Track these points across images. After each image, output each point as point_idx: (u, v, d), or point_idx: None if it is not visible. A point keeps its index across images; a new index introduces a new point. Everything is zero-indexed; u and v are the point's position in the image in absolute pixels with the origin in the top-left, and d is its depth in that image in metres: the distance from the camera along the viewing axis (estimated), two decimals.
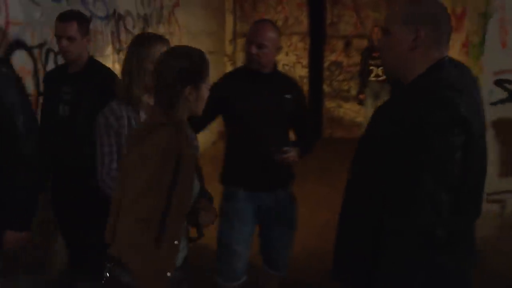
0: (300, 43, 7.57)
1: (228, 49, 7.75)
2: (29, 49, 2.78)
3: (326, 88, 7.57)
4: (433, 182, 1.25)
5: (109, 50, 3.91)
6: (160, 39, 2.14)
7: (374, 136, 1.45)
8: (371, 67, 5.79)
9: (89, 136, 2.15)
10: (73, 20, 2.38)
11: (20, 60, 2.68)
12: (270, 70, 2.38)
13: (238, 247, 2.39)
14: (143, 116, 2.07)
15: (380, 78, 5.62)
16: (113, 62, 3.97)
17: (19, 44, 2.71)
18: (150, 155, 1.54)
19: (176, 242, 1.60)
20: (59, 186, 2.51)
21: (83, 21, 2.47)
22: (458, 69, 1.43)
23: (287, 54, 7.44)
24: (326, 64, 7.50)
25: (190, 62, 1.62)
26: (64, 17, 2.40)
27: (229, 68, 7.65)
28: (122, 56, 4.03)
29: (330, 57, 7.48)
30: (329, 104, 7.58)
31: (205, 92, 1.67)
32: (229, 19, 7.63)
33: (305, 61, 7.61)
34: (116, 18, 3.97)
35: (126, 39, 4.16)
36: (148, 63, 1.99)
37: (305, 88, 7.41)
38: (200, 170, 1.75)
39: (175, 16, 5.42)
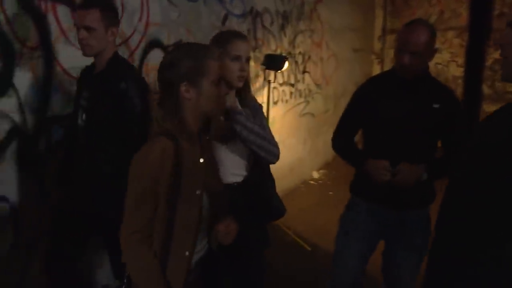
0: (456, 40, 6.79)
1: (377, 46, 7.38)
2: (165, 48, 2.96)
3: (486, 89, 6.69)
4: None
5: None
6: (237, 35, 2.01)
7: (478, 161, 1.21)
8: None
9: (103, 149, 2.03)
10: (95, 7, 1.99)
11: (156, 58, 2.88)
12: (420, 74, 2.13)
13: (351, 260, 2.28)
14: None
15: None
16: None
17: (156, 43, 2.90)
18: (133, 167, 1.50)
19: (187, 253, 1.55)
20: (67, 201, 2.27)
21: (108, 9, 2.07)
22: None
23: (440, 51, 6.76)
24: (488, 63, 6.62)
25: (177, 57, 1.52)
26: (85, 3, 2.01)
27: (376, 67, 7.29)
28: (258, 54, 4.10)
29: (494, 55, 6.57)
30: (488, 108, 6.68)
31: (208, 87, 1.53)
32: (379, 15, 7.25)
33: (460, 60, 6.83)
34: (253, 15, 4.02)
35: (263, 37, 4.20)
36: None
37: (459, 90, 6.66)
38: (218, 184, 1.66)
39: (318, 12, 5.32)
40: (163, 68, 1.55)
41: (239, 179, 2.04)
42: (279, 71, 3.73)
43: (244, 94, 2.07)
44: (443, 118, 2.10)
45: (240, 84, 1.98)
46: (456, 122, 2.15)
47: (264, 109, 3.91)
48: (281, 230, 4.13)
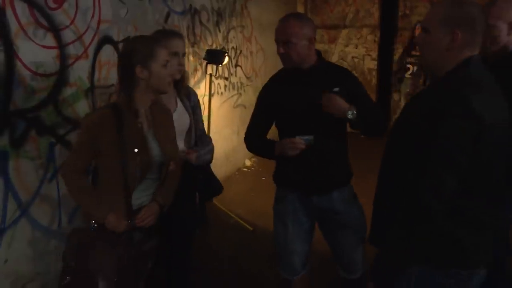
0: (370, 36, 7.51)
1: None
2: (116, 44, 3.10)
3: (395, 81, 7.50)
4: (437, 164, 1.42)
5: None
6: (174, 33, 2.41)
7: (401, 124, 1.63)
8: (408, 65, 5.72)
9: None
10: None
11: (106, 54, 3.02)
12: (311, 64, 2.22)
13: (294, 245, 2.37)
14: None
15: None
16: (187, 54, 4.25)
17: (108, 39, 3.03)
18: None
19: (123, 199, 1.98)
20: None
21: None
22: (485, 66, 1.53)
23: (356, 46, 7.43)
24: (396, 57, 7.41)
25: (134, 46, 1.95)
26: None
27: None
28: (196, 49, 4.32)
29: (400, 50, 7.37)
30: (397, 96, 7.49)
31: (158, 69, 1.94)
32: (300, 11, 7.72)
33: (374, 54, 7.55)
34: (192, 12, 4.23)
35: (200, 33, 4.42)
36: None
37: (374, 81, 7.37)
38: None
39: (248, 9, 5.63)
40: (123, 55, 1.98)
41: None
42: (220, 64, 3.99)
43: (181, 85, 2.46)
44: (348, 100, 2.15)
45: (179, 76, 2.38)
46: (360, 99, 2.21)
47: (206, 101, 4.17)
48: (224, 213, 4.41)
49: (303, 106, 2.19)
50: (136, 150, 1.94)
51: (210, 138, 2.69)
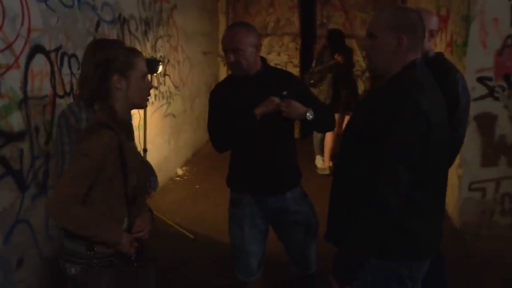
0: (291, 43, 7.82)
1: (221, 49, 7.96)
2: (48, 53, 2.97)
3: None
4: (393, 161, 1.53)
5: None
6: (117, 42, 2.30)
7: (355, 124, 1.75)
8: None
9: None
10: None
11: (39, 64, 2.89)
12: (257, 69, 2.29)
13: (250, 247, 2.43)
14: None
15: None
16: None
17: (39, 49, 2.90)
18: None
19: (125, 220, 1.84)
20: None
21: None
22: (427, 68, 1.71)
23: (279, 54, 7.72)
24: None
25: (110, 53, 1.81)
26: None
27: (222, 68, 7.87)
28: None
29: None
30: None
31: (136, 79, 1.80)
32: (222, 21, 7.85)
33: (296, 61, 7.87)
34: (121, 21, 4.16)
35: (130, 42, 4.36)
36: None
37: None
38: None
39: (173, 19, 5.63)
40: (99, 63, 1.80)
41: None
42: (154, 74, 3.95)
43: None
44: (297, 100, 2.25)
45: None
46: (309, 100, 2.33)
47: (141, 111, 4.11)
48: (162, 222, 4.34)
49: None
50: (135, 174, 1.82)
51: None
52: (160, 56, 5.27)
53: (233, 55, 2.20)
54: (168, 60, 5.59)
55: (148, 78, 1.91)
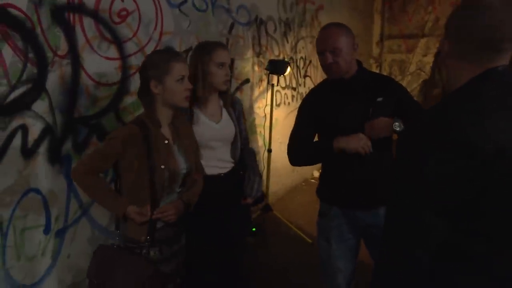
0: None
1: (375, 51, 7.64)
2: None
3: None
4: (417, 205, 1.17)
5: (249, 53, 4.26)
6: (219, 44, 2.38)
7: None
8: None
9: None
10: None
11: None
12: (353, 73, 2.16)
13: (337, 263, 2.30)
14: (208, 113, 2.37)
15: None
16: (252, 64, 4.30)
17: None
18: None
19: (148, 210, 1.99)
20: None
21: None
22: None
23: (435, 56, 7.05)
24: None
25: (150, 60, 1.98)
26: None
27: (374, 70, 7.54)
28: (262, 59, 4.36)
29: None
30: None
31: (171, 83, 1.96)
32: (377, 21, 7.51)
33: None
34: (258, 23, 4.28)
35: (266, 43, 4.46)
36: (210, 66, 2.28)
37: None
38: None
39: (318, 20, 5.58)
40: (141, 69, 2.02)
41: (227, 165, 2.42)
42: (282, 75, 3.98)
43: (226, 94, 2.43)
44: (395, 109, 2.10)
45: (225, 87, 2.36)
46: (405, 103, 2.15)
47: (268, 111, 4.18)
48: (284, 224, 4.38)
49: (350, 120, 2.14)
50: (163, 166, 1.97)
51: (253, 149, 2.68)
52: (301, 58, 5.28)
53: (331, 56, 2.08)
54: (310, 61, 5.56)
55: (186, 79, 2.00)
